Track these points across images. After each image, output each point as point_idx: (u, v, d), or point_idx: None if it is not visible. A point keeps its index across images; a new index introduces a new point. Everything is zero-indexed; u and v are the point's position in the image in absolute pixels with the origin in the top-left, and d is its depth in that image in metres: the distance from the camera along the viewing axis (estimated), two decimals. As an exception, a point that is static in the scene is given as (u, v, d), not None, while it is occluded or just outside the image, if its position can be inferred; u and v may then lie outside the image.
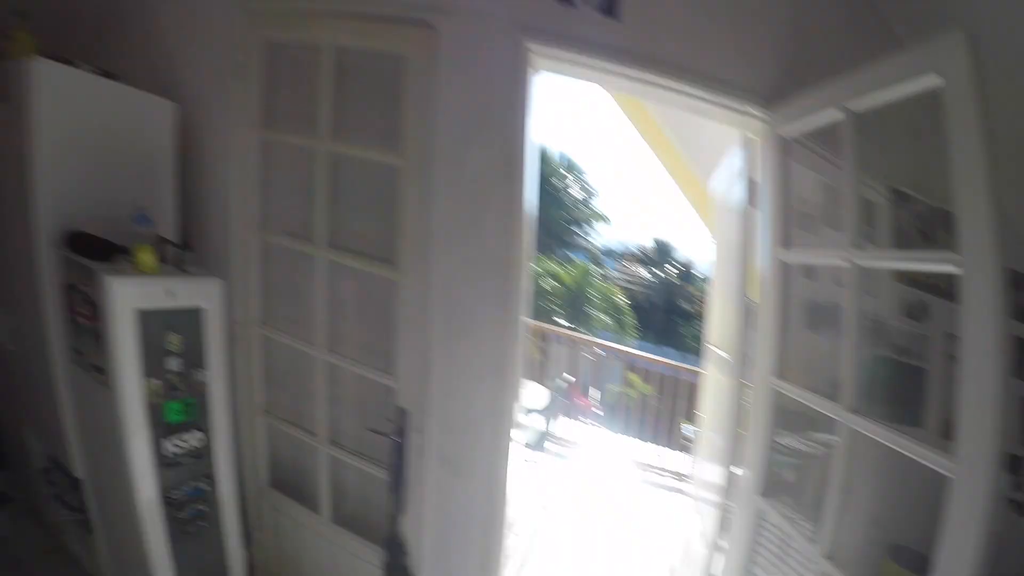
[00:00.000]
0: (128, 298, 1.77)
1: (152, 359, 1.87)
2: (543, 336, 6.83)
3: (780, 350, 1.88)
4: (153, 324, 1.86)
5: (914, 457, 1.28)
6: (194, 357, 2.00)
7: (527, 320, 2.14)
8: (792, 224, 1.88)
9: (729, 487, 2.18)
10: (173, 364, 1.94)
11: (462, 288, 2.05)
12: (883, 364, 1.86)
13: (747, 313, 2.17)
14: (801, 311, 2.04)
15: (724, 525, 2.18)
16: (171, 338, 1.92)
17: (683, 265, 25.44)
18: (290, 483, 2.52)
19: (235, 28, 2.19)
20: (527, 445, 4.60)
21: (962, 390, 1.14)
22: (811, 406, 1.72)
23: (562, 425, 5.98)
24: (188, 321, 1.98)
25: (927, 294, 1.86)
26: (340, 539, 2.38)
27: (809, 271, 2.00)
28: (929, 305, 1.87)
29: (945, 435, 1.24)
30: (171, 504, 2.00)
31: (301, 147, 2.18)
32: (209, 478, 2.13)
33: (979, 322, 1.12)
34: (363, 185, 2.20)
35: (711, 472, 2.45)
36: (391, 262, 2.06)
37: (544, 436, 4.67)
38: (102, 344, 1.79)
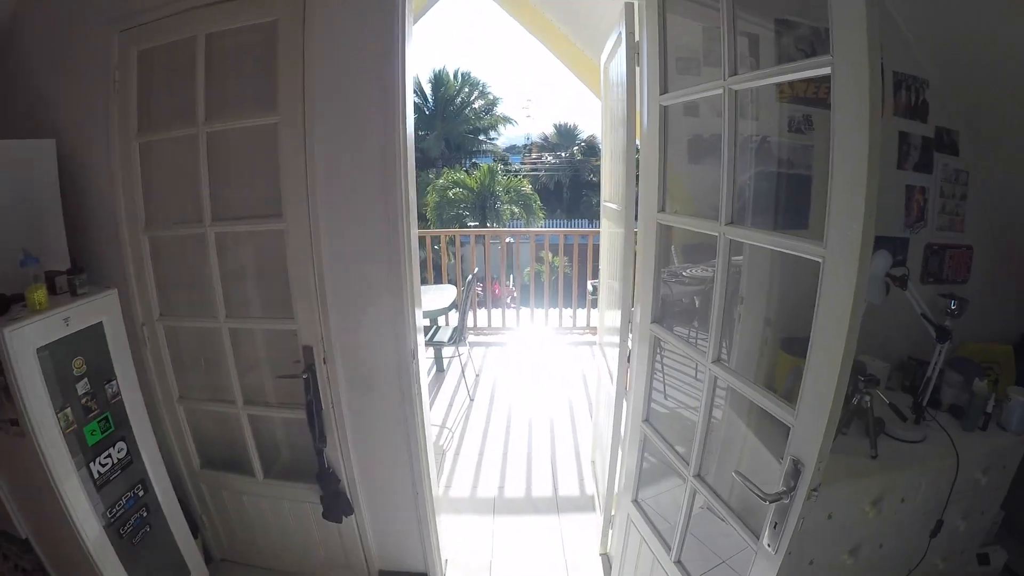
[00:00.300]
0: (25, 341, 1.75)
1: (62, 390, 1.88)
2: (453, 240, 6.81)
3: (662, 189, 1.91)
4: (55, 356, 1.86)
5: (786, 250, 1.29)
6: (102, 372, 2.04)
7: (416, 233, 2.27)
8: (671, 72, 1.88)
9: (628, 325, 2.28)
10: (82, 387, 1.96)
11: (346, 220, 2.15)
12: (768, 179, 1.94)
13: (632, 164, 2.23)
14: (684, 149, 2.13)
15: (626, 360, 2.31)
16: (75, 362, 1.93)
17: (585, 142, 27.25)
18: (221, 457, 2.64)
19: (111, 50, 2.19)
20: (446, 342, 4.63)
21: (832, 175, 1.13)
22: (692, 229, 1.76)
23: (480, 316, 6.08)
24: (90, 339, 2.00)
25: (810, 107, 1.94)
26: (279, 491, 2.55)
27: (691, 109, 2.03)
28: (812, 116, 1.96)
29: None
30: (114, 522, 2.04)
31: (180, 138, 2.20)
32: (142, 482, 2.19)
33: (849, 108, 1.09)
34: (244, 155, 2.28)
35: (613, 317, 2.56)
36: (276, 215, 2.14)
37: (461, 330, 4.67)
38: (11, 396, 1.74)
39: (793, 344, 1.80)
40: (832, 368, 1.15)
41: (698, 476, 1.68)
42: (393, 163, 2.07)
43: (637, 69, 2.04)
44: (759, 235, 1.48)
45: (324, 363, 2.25)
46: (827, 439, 1.20)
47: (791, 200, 1.94)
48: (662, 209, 1.89)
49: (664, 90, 1.85)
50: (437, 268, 6.22)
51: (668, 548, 1.86)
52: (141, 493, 2.16)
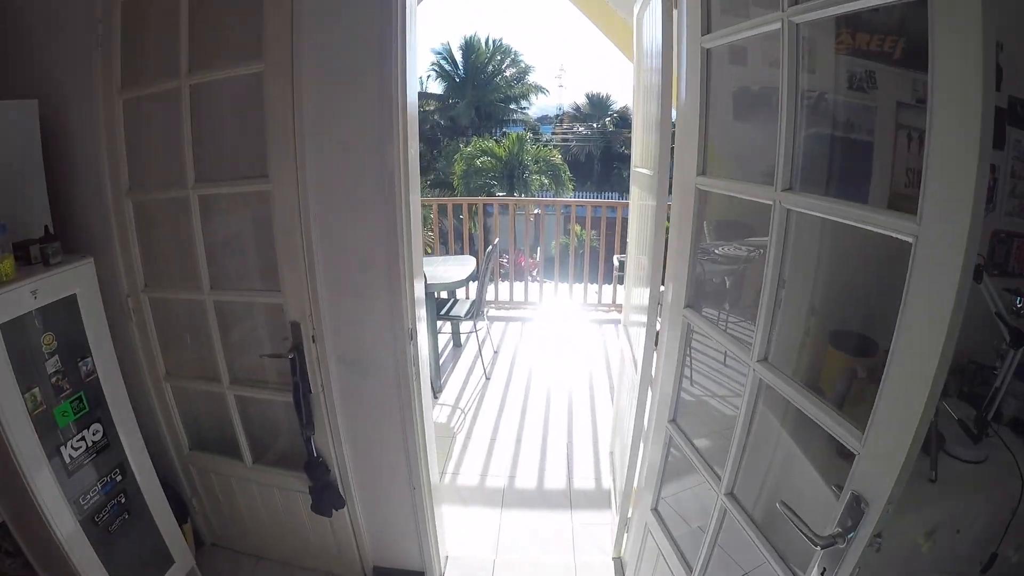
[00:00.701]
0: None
1: (29, 369, 1.75)
2: (478, 209, 6.58)
3: (702, 149, 1.61)
4: (22, 332, 1.74)
5: (867, 226, 0.99)
6: (76, 348, 1.92)
7: (418, 197, 2.05)
8: (714, 12, 1.59)
9: (656, 306, 2.02)
10: (52, 365, 1.84)
11: (338, 180, 1.95)
12: (822, 143, 1.61)
13: (668, 112, 1.94)
14: (728, 106, 1.79)
15: (652, 345, 2.06)
16: (45, 339, 1.82)
17: (618, 113, 26.81)
18: (211, 439, 2.49)
19: (94, 2, 2.02)
20: (463, 316, 4.38)
21: (931, 132, 0.83)
22: (737, 196, 1.48)
23: (502, 289, 5.83)
24: (62, 313, 1.88)
25: (875, 63, 1.60)
26: (268, 478, 2.39)
27: (737, 56, 1.72)
28: (875, 73, 1.61)
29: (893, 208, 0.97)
30: (87, 510, 1.93)
31: (164, 94, 2.03)
32: (120, 467, 2.07)
33: (954, 39, 0.79)
34: (230, 113, 2.11)
35: (640, 295, 2.29)
36: (262, 176, 1.95)
37: (479, 304, 4.40)
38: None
39: (844, 339, 1.50)
40: (922, 383, 0.87)
41: (731, 495, 1.41)
42: (389, 113, 1.83)
43: (675, 12, 1.76)
44: (826, 204, 1.16)
45: (313, 342, 2.04)
46: (904, 473, 0.92)
47: (849, 168, 1.61)
48: (702, 172, 1.60)
49: (707, 30, 1.55)
50: (461, 238, 5.94)
51: (689, 570, 1.61)
52: (119, 478, 2.04)
